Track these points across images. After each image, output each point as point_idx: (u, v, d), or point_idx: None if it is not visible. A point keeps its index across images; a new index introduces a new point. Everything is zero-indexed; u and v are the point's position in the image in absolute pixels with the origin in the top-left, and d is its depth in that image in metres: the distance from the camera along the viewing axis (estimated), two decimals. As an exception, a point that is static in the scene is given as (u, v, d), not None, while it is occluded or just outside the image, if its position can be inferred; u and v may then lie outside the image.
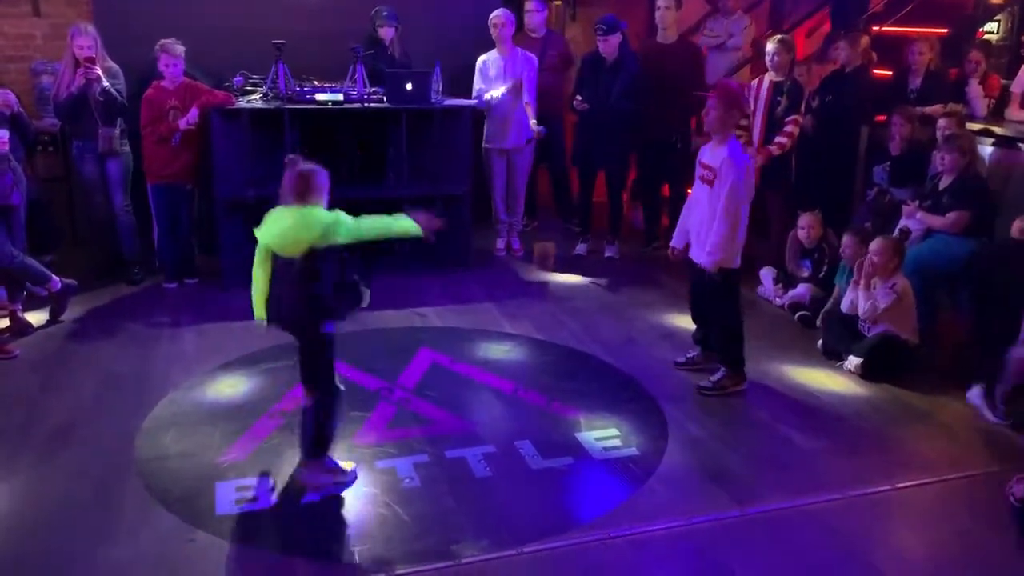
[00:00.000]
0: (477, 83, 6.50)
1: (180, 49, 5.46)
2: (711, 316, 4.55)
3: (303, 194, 3.24)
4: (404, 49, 6.53)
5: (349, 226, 3.27)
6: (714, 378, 4.45)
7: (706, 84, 6.67)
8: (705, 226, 4.29)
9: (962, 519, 3.43)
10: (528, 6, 6.94)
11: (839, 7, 7.64)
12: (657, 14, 6.51)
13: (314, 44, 6.45)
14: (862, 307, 4.75)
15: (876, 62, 6.57)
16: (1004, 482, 3.58)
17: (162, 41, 5.44)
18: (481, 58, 6.49)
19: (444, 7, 6.97)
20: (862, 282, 4.76)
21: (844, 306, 4.98)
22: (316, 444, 3.46)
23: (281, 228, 3.26)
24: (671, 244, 4.65)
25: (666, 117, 6.51)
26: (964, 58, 6.17)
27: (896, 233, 5.13)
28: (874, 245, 4.73)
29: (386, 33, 6.36)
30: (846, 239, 5.08)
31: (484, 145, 6.56)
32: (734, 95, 4.27)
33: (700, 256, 4.34)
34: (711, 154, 4.27)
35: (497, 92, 6.36)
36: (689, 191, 4.65)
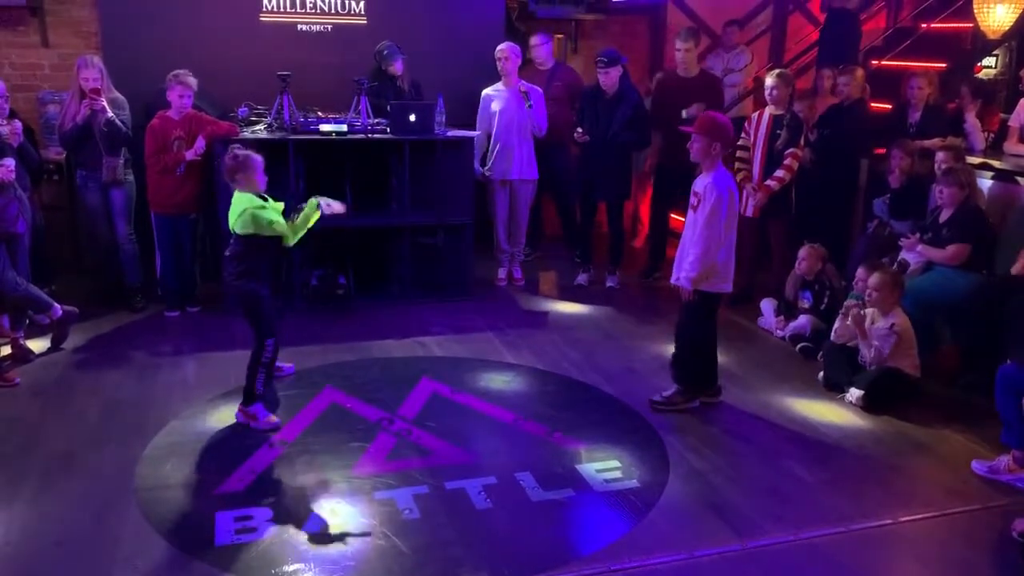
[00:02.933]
0: (482, 115, 6.56)
1: (193, 81, 5.52)
2: (681, 333, 4.59)
3: (231, 175, 4.10)
4: (414, 80, 6.60)
5: (265, 220, 4.04)
6: (667, 393, 4.54)
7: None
8: (685, 249, 4.42)
9: (964, 553, 3.40)
10: (533, 40, 7.03)
11: (826, 42, 7.72)
12: (678, 56, 6.55)
13: (319, 76, 6.54)
14: (865, 355, 4.76)
15: (871, 96, 6.62)
16: (1007, 516, 3.57)
17: (176, 72, 5.50)
18: (485, 91, 6.55)
19: (450, 39, 7.07)
20: (858, 331, 4.78)
21: (833, 335, 5.00)
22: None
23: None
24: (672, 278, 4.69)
25: (683, 148, 6.53)
26: (957, 93, 6.24)
27: (895, 266, 5.14)
28: (873, 280, 4.75)
29: (397, 68, 6.43)
30: (860, 272, 5.07)
31: (487, 175, 6.59)
32: (715, 125, 4.36)
33: (675, 278, 4.48)
34: (699, 182, 4.42)
35: (487, 170, 6.52)
36: None
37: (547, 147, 6.75)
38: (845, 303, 5.05)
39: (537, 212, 7.46)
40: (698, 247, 4.32)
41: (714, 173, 4.34)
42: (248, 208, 4.05)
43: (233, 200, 4.15)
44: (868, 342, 4.74)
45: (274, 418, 4.24)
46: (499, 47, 6.43)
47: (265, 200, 4.15)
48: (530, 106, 6.35)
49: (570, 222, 7.34)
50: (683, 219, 7.15)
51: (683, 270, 4.41)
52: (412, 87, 6.58)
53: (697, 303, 4.42)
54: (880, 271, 4.80)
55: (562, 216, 7.46)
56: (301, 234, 4.25)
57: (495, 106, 6.47)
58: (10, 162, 4.90)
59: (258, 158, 4.14)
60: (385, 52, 6.40)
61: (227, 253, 4.22)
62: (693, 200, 4.42)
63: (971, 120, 6.02)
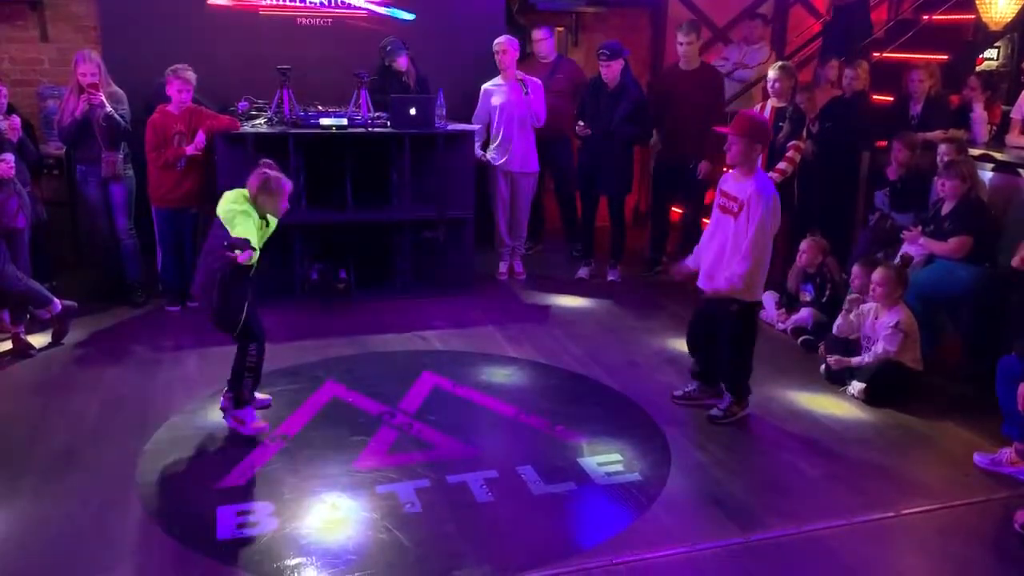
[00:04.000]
0: (480, 109, 6.55)
1: (192, 75, 5.50)
2: (724, 346, 4.40)
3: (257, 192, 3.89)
4: (419, 74, 6.58)
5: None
6: (723, 406, 4.43)
7: (723, 108, 6.72)
8: (725, 258, 4.21)
9: (966, 546, 3.40)
10: (536, 34, 7.02)
11: (830, 34, 7.69)
12: (680, 49, 6.52)
13: (319, 70, 6.53)
14: (865, 359, 4.75)
15: (872, 88, 6.60)
16: (1009, 508, 3.57)
17: (174, 67, 5.48)
18: (485, 85, 6.55)
19: (450, 33, 7.05)
20: (863, 342, 4.79)
21: (835, 329, 4.99)
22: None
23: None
24: (684, 263, 4.59)
25: (682, 141, 6.54)
26: (964, 85, 6.21)
27: (898, 260, 5.13)
28: (877, 275, 4.73)
29: (402, 63, 6.41)
30: (855, 269, 5.06)
31: (487, 159, 6.57)
32: (755, 125, 4.20)
33: (712, 285, 4.28)
34: (735, 184, 4.20)
35: (489, 154, 6.53)
36: (705, 221, 4.59)
37: (549, 140, 6.74)
38: (848, 298, 5.04)
39: (539, 206, 7.46)
40: (747, 263, 4.09)
41: (756, 179, 4.12)
42: (234, 208, 3.86)
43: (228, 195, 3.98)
44: (868, 345, 4.74)
45: (262, 422, 4.15)
46: (497, 40, 6.41)
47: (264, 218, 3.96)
48: (527, 93, 6.33)
49: (571, 216, 7.33)
50: (681, 212, 7.25)
51: (724, 278, 4.18)
52: (418, 82, 6.56)
53: (736, 315, 4.26)
54: (884, 266, 4.78)
55: (563, 210, 7.45)
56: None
57: (495, 100, 6.46)
58: (9, 157, 4.90)
59: (288, 185, 3.97)
60: (389, 47, 6.38)
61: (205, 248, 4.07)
62: (727, 203, 4.21)
63: (979, 111, 5.99)
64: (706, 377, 4.59)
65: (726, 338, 4.38)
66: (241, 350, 4.10)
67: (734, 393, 4.43)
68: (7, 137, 4.98)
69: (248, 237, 3.70)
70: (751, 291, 4.23)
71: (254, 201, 3.90)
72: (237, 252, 3.64)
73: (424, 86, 6.54)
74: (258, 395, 4.29)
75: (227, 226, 3.79)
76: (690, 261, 4.55)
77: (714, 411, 4.43)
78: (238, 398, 4.11)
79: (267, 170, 3.93)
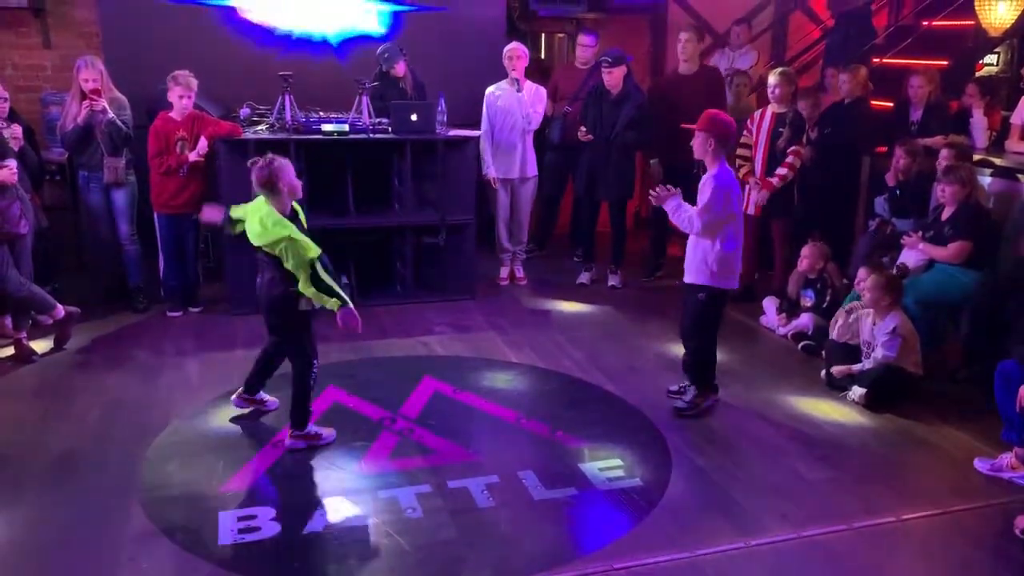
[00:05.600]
0: (485, 114, 6.56)
1: (194, 82, 5.51)
2: (687, 334, 4.58)
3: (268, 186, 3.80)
4: (418, 81, 6.59)
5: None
6: (687, 399, 4.53)
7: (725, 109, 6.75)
8: (690, 246, 4.43)
9: (968, 551, 3.40)
10: (581, 39, 7.07)
11: (836, 44, 7.71)
12: (679, 46, 6.57)
13: (320, 76, 6.55)
14: (866, 365, 4.76)
15: (873, 93, 6.62)
16: (1009, 513, 3.57)
17: (176, 73, 5.49)
18: (490, 89, 6.53)
19: (452, 39, 7.07)
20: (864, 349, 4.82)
21: (833, 332, 5.00)
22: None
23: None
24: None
25: (681, 145, 6.54)
26: (963, 90, 6.22)
27: (894, 270, 5.13)
28: (868, 280, 4.76)
29: (399, 69, 6.43)
30: (861, 272, 5.07)
31: (493, 175, 6.59)
32: (714, 122, 4.35)
33: (685, 275, 4.48)
34: (703, 179, 4.41)
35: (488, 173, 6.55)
36: None
37: (571, 146, 6.72)
38: (847, 305, 5.05)
39: (553, 211, 7.46)
40: (704, 241, 4.31)
41: (714, 171, 4.32)
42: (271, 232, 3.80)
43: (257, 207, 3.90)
44: (869, 352, 4.75)
45: (330, 429, 4.13)
46: (509, 47, 6.42)
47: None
48: (519, 91, 6.35)
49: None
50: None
51: (694, 270, 4.40)
52: (416, 88, 6.57)
53: (703, 302, 4.41)
54: (876, 273, 4.80)
55: (575, 215, 7.45)
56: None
57: (499, 104, 6.47)
58: (13, 163, 4.91)
59: (280, 161, 3.88)
60: (387, 54, 6.40)
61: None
62: (698, 197, 4.39)
63: (978, 117, 6.01)
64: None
65: (688, 326, 4.53)
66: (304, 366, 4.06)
67: (697, 383, 4.52)
68: (9, 144, 5.00)
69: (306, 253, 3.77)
70: (712, 278, 4.34)
71: (271, 199, 3.82)
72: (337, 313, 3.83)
73: (422, 92, 6.55)
74: (267, 397, 4.36)
75: (280, 254, 3.77)
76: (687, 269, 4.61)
77: (679, 403, 4.53)
78: (302, 417, 4.06)
79: (256, 163, 3.83)
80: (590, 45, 7.03)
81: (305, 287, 3.84)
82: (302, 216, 3.98)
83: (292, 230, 3.77)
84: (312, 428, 4.08)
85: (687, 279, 4.48)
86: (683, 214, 4.32)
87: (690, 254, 4.44)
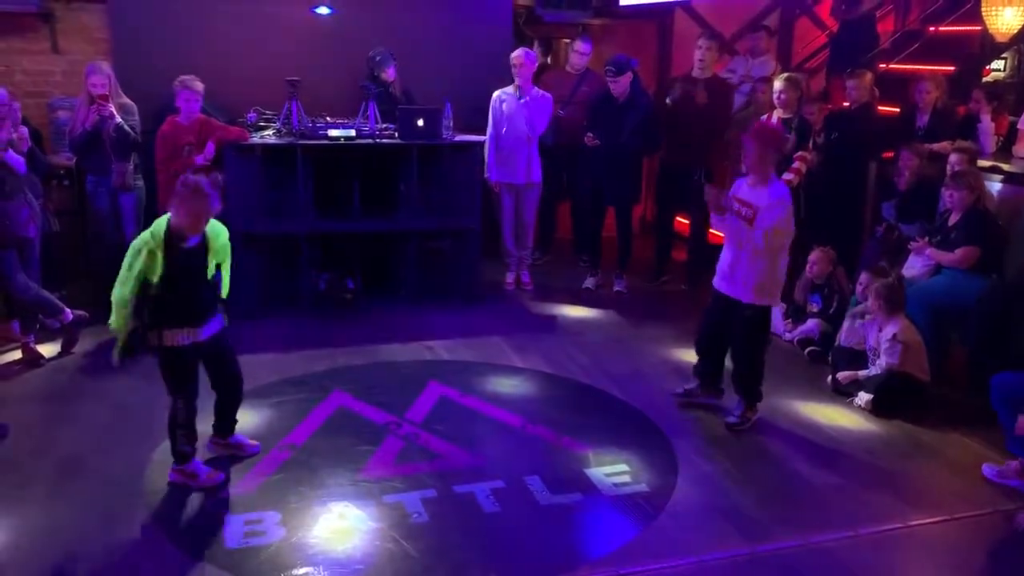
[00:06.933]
0: (491, 119, 6.57)
1: (200, 86, 5.54)
2: (736, 351, 4.47)
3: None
4: (405, 88, 6.63)
5: None
6: (738, 412, 4.46)
7: (728, 120, 6.75)
8: (742, 263, 4.27)
9: (975, 557, 3.39)
10: (578, 46, 7.08)
11: (841, 50, 7.69)
12: (699, 52, 6.59)
13: (327, 81, 6.56)
14: (872, 371, 4.75)
15: (879, 99, 6.61)
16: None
17: (181, 77, 5.52)
18: (496, 94, 6.55)
19: (458, 45, 7.07)
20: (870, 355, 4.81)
21: (841, 338, 4.98)
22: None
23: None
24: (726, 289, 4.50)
25: (686, 149, 6.56)
26: (970, 96, 6.21)
27: (892, 278, 5.11)
28: (870, 287, 4.75)
29: (390, 73, 6.45)
30: (863, 277, 5.07)
31: (493, 179, 6.60)
32: (770, 133, 4.29)
33: (730, 289, 4.35)
34: (750, 191, 4.27)
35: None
36: (711, 232, 4.64)
37: (568, 151, 6.74)
38: (852, 309, 5.04)
39: (551, 216, 7.47)
40: (762, 265, 4.20)
41: (771, 187, 4.20)
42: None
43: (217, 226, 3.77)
44: (875, 358, 4.74)
45: (217, 473, 3.79)
46: (515, 53, 6.44)
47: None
48: (521, 100, 6.36)
49: (583, 227, 7.33)
50: (687, 222, 7.25)
51: (750, 288, 4.26)
52: (403, 94, 6.61)
53: (753, 320, 4.33)
54: (876, 278, 4.80)
55: (575, 220, 7.46)
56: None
57: (504, 108, 6.48)
58: (20, 158, 4.94)
59: (197, 181, 3.63)
60: (378, 58, 6.43)
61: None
62: (743, 210, 4.24)
63: (986, 122, 5.99)
64: (709, 378, 4.63)
65: (739, 343, 4.43)
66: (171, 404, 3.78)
67: (747, 398, 4.46)
68: (19, 147, 5.03)
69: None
70: (766, 296, 4.29)
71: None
72: None
73: (409, 98, 6.60)
74: (247, 441, 4.07)
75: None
76: (716, 283, 4.52)
77: (731, 418, 4.46)
78: (177, 454, 3.74)
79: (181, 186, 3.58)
80: (586, 53, 7.06)
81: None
82: (215, 242, 3.78)
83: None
84: (193, 467, 3.73)
85: (732, 293, 4.34)
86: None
87: (743, 270, 4.27)
